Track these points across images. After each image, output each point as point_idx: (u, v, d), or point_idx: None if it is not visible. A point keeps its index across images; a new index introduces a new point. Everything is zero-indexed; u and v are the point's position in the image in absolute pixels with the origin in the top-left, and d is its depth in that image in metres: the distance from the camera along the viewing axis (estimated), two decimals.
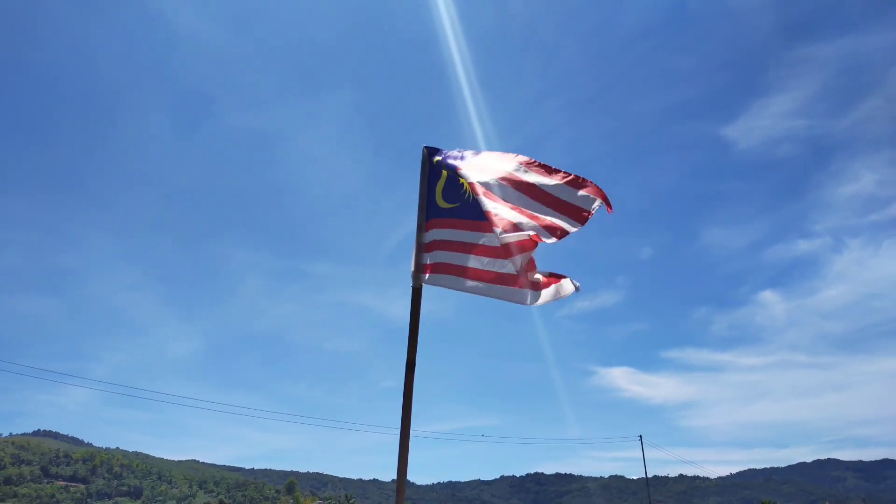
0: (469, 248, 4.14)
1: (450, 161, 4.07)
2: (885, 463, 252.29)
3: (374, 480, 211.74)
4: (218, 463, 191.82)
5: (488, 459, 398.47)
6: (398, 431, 3.70)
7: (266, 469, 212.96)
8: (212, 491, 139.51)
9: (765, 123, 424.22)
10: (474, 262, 4.10)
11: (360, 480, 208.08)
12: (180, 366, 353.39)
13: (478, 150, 4.20)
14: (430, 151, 4.17)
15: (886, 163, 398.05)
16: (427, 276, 4.07)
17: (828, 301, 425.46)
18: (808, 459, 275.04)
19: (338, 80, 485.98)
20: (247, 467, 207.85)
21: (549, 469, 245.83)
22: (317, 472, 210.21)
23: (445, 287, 4.08)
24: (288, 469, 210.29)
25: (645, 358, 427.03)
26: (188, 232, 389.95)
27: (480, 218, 4.11)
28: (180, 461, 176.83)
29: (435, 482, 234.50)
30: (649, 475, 63.78)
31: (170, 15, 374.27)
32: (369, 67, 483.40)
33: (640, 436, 60.56)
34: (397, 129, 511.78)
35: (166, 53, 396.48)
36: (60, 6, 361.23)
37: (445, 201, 4.20)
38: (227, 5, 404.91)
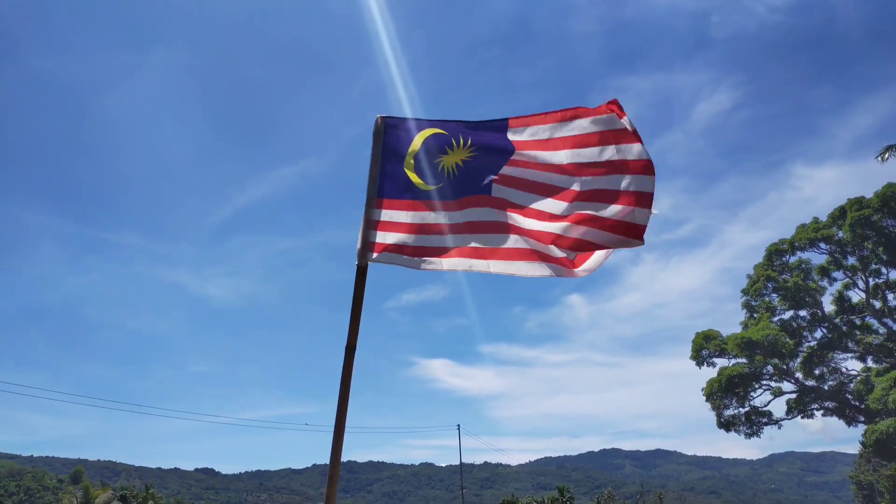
0: (464, 228, 3.76)
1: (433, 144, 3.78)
2: (657, 452, 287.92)
3: (175, 469, 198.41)
4: None
5: (300, 448, 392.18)
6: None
7: (48, 457, 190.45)
8: None
9: None
10: (477, 241, 3.75)
11: (160, 469, 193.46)
12: None
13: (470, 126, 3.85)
14: (388, 122, 3.74)
15: (681, 190, 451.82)
16: (375, 255, 3.59)
17: (623, 307, 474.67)
18: (596, 449, 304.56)
19: (171, 35, 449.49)
20: (24, 455, 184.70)
21: (362, 457, 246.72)
22: (108, 461, 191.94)
23: (403, 266, 3.60)
24: (74, 457, 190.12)
25: (464, 351, 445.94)
26: None
27: (466, 193, 3.80)
28: None
29: (242, 471, 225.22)
30: (459, 462, 66.56)
31: None
32: (208, 27, 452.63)
33: (459, 425, 63.39)
34: (234, 100, 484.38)
35: None
36: None
37: (424, 181, 3.75)
38: None
